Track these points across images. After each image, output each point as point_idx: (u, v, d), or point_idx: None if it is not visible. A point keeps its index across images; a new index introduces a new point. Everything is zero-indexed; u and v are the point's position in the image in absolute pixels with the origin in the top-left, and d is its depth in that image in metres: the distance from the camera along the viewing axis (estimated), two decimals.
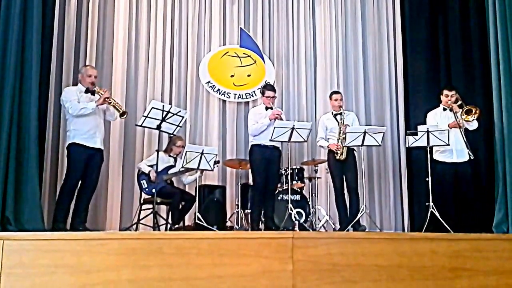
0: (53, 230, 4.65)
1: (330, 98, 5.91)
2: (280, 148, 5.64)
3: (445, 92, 5.67)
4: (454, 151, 5.53)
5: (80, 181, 5.04)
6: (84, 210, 5.08)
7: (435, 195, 5.39)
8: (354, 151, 5.74)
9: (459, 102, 5.57)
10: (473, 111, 5.43)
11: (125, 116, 5.18)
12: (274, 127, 5.27)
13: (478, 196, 5.80)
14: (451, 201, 5.51)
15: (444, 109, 5.68)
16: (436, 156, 5.62)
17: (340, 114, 5.74)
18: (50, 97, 6.11)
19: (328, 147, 5.72)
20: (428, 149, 5.38)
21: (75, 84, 5.52)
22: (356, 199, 5.56)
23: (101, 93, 5.07)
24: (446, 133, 5.31)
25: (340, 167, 5.64)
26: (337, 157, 5.60)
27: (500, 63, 5.59)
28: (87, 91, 5.11)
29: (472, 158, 5.39)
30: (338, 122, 5.70)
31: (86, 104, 4.97)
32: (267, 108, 5.61)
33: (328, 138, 5.79)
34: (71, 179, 4.98)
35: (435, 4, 7.24)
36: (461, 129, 5.46)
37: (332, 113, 5.87)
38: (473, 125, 5.54)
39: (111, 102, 5.10)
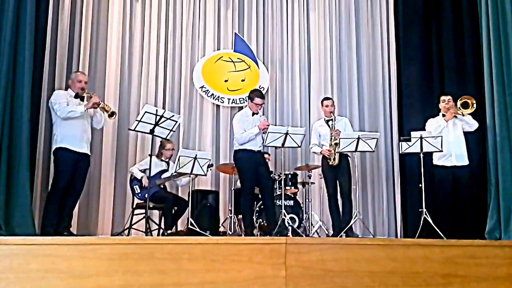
0: (43, 236, 4.60)
1: (322, 104, 5.92)
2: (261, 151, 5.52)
3: (442, 98, 5.77)
4: (453, 154, 5.56)
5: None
6: (68, 216, 4.98)
7: (431, 200, 5.39)
8: (348, 157, 5.73)
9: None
10: (469, 103, 5.46)
11: (113, 116, 5.14)
12: (268, 132, 5.25)
13: (471, 202, 5.81)
14: (445, 207, 5.52)
15: (443, 115, 5.70)
16: (436, 161, 5.66)
17: (332, 120, 5.73)
18: (42, 102, 6.02)
19: (321, 153, 5.72)
20: (422, 155, 5.39)
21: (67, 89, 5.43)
22: (349, 205, 5.55)
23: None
24: (440, 139, 5.32)
25: (334, 172, 5.64)
26: (330, 163, 5.60)
27: (493, 69, 5.64)
28: (76, 96, 5.03)
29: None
30: (330, 128, 5.69)
31: (75, 107, 4.88)
32: (253, 114, 5.49)
33: (322, 145, 5.78)
34: (59, 183, 4.85)
35: (428, 9, 7.28)
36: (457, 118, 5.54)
37: (324, 119, 5.88)
38: (473, 125, 5.58)
39: (100, 104, 5.03)
